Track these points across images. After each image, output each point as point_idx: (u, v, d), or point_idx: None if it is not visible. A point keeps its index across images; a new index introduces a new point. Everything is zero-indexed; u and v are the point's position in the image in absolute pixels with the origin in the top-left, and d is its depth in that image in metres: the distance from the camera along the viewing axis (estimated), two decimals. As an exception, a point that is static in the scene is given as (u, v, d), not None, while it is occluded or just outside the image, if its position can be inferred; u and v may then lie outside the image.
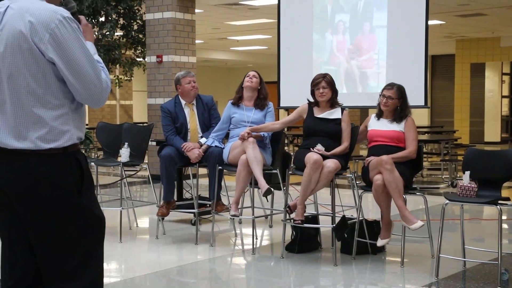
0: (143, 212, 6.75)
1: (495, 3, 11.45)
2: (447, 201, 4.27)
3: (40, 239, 2.27)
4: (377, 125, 4.86)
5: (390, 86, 4.86)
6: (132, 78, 10.85)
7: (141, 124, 20.26)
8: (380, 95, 4.90)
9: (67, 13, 2.17)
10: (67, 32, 2.14)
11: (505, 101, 20.64)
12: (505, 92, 20.51)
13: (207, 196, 6.14)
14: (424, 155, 11.21)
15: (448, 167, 9.61)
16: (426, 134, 13.28)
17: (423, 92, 8.06)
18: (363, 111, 14.47)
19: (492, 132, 19.61)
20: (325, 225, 5.09)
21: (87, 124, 18.33)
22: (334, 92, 4.99)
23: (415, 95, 7.97)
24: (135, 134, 5.93)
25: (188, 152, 5.36)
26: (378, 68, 8.24)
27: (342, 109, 5.01)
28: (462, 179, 4.30)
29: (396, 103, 4.81)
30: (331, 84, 4.96)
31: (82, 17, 2.38)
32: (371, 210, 6.61)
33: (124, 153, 5.63)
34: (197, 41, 16.53)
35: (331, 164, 4.65)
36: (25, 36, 2.12)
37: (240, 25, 14.53)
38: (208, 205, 5.98)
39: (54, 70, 2.16)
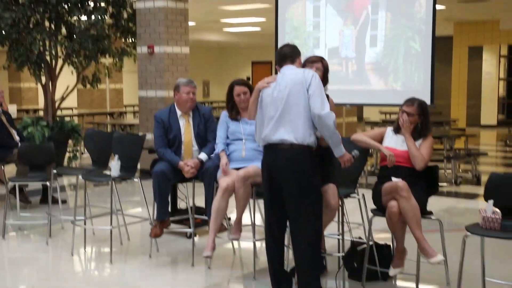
0: (136, 221, 6.36)
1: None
2: (468, 233, 3.91)
3: (290, 199, 3.90)
4: (392, 142, 4.46)
5: (410, 102, 4.46)
6: (122, 68, 10.38)
7: (132, 108, 19.88)
8: (400, 110, 4.51)
9: (315, 73, 3.99)
10: (317, 79, 3.93)
11: (502, 83, 20.33)
12: (502, 74, 20.19)
13: (203, 205, 5.76)
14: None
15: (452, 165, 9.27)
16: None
17: (429, 88, 7.72)
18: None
19: (489, 114, 19.32)
20: (333, 253, 4.75)
21: (76, 108, 17.83)
22: (326, 80, 4.44)
23: (421, 95, 7.63)
24: (126, 145, 5.53)
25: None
26: (380, 70, 7.85)
27: (327, 96, 4.51)
28: (484, 210, 3.93)
29: (416, 120, 4.42)
30: (326, 69, 4.46)
31: None
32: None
33: (115, 167, 5.23)
34: (189, 23, 16.05)
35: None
36: (300, 81, 3.90)
37: (234, 10, 14.06)
38: (204, 218, 5.59)
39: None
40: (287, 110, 3.89)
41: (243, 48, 24.58)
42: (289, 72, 3.99)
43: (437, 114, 15.74)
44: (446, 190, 8.47)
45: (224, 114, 4.99)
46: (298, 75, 3.94)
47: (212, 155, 5.08)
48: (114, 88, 17.82)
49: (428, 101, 7.58)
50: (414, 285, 4.29)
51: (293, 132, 3.87)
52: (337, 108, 11.21)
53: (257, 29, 18.63)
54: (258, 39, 20.73)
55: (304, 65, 4.36)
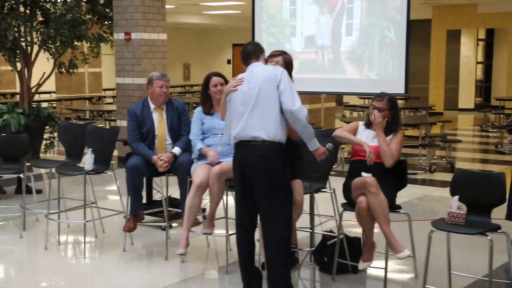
0: (111, 214, 6.38)
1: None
2: (434, 229, 3.99)
3: (262, 195, 3.94)
4: (363, 138, 4.51)
5: (380, 97, 4.50)
6: (99, 54, 10.29)
7: (111, 91, 19.73)
8: (370, 105, 4.56)
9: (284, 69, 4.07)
10: (286, 75, 3.98)
11: (480, 67, 20.48)
12: (480, 58, 20.33)
13: (179, 197, 5.79)
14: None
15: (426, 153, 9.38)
16: (402, 112, 13.14)
17: (404, 78, 7.78)
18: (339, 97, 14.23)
19: (467, 98, 19.49)
20: (303, 248, 4.82)
21: (54, 92, 17.65)
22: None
23: (396, 84, 7.70)
24: (100, 138, 5.53)
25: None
26: (356, 59, 7.89)
27: None
28: (450, 205, 4.02)
29: (386, 115, 4.48)
30: (287, 64, 4.40)
31: None
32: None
33: (88, 160, 5.24)
34: (168, 7, 15.90)
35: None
36: (270, 77, 3.94)
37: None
38: (179, 211, 5.63)
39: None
40: (258, 107, 3.92)
41: (224, 30, 24.46)
42: (258, 69, 4.04)
43: (414, 99, 15.88)
44: (421, 178, 8.58)
45: (197, 111, 5.00)
46: (267, 72, 3.98)
47: (189, 154, 5.06)
48: (92, 72, 17.71)
49: (402, 90, 7.73)
50: (383, 277, 4.38)
51: (264, 128, 3.90)
52: (314, 96, 11.25)
53: (238, 12, 18.57)
54: (239, 21, 20.66)
55: (267, 61, 4.35)
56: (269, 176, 3.92)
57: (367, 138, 4.52)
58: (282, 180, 3.97)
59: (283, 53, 4.46)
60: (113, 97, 19.69)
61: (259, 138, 3.91)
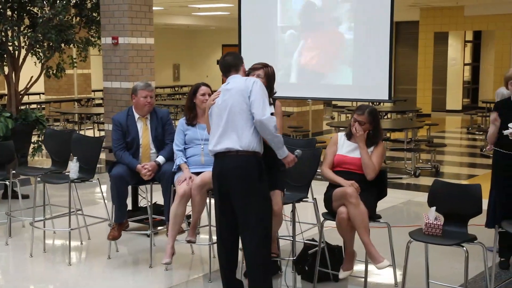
0: (96, 221, 6.43)
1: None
2: (412, 240, 4.08)
3: (239, 204, 4.02)
4: (344, 150, 4.59)
5: (361, 110, 4.55)
6: (86, 58, 10.33)
7: (101, 93, 19.69)
8: (351, 117, 4.64)
9: (257, 79, 4.15)
10: (258, 85, 4.04)
11: (467, 68, 20.63)
12: (467, 59, 20.48)
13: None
14: (387, 141, 10.94)
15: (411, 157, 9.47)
16: (390, 115, 13.23)
17: (387, 84, 7.86)
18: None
19: (454, 100, 19.64)
20: (285, 257, 4.90)
21: (43, 93, 17.63)
22: (270, 88, 4.44)
23: (380, 90, 7.79)
24: (85, 146, 5.57)
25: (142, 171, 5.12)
26: (339, 63, 7.97)
27: (274, 100, 4.56)
28: (427, 216, 4.10)
29: (367, 128, 4.55)
30: (269, 76, 4.45)
31: None
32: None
33: (73, 169, 5.29)
34: (157, 8, 15.92)
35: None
36: (242, 89, 4.02)
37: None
38: (163, 218, 5.68)
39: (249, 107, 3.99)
40: (231, 118, 4.02)
41: (213, 31, 24.48)
42: (233, 81, 4.14)
43: (402, 101, 15.98)
44: (406, 183, 8.67)
45: (181, 122, 5.06)
46: (240, 84, 4.07)
47: (173, 164, 5.11)
48: (81, 73, 17.69)
49: (386, 96, 7.82)
50: (363, 285, 4.46)
51: (238, 139, 3.99)
52: (300, 101, 11.27)
53: (227, 13, 18.62)
54: (228, 22, 20.68)
55: (249, 73, 4.43)
56: (245, 185, 3.99)
57: (347, 149, 4.59)
58: (259, 188, 4.03)
59: (264, 66, 4.49)
60: (102, 98, 19.68)
61: (233, 149, 3.99)
